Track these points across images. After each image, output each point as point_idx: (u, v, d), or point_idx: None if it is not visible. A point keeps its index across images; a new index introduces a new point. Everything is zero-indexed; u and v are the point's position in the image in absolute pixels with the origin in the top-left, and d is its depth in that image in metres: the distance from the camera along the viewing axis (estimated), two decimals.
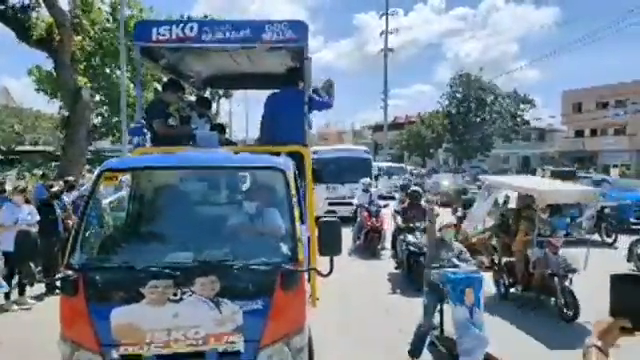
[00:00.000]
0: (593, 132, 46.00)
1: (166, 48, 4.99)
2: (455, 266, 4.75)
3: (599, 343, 1.25)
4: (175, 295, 2.93)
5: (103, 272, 3.09)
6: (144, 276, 2.93)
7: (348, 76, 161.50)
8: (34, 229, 6.88)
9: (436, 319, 4.91)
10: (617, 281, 1.29)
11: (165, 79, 5.85)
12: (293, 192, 3.40)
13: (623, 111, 39.71)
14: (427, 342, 4.83)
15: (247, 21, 4.86)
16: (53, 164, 19.89)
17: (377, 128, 56.77)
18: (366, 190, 11.14)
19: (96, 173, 3.42)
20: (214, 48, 4.98)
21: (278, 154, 4.30)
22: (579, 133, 47.38)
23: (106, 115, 17.31)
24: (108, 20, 15.81)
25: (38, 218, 6.90)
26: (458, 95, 42.98)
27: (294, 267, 3.07)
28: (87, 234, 3.23)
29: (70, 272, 2.99)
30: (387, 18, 35.44)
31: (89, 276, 3.00)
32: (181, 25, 4.71)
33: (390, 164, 30.49)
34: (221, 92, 25.73)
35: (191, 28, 4.69)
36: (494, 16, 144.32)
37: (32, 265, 6.31)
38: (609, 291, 1.30)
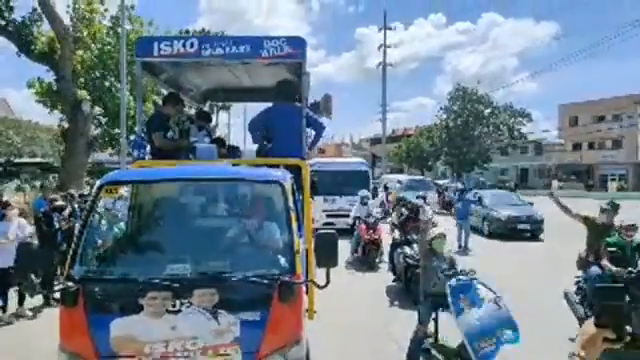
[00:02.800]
0: (590, 145, 46.30)
1: (167, 63, 5.08)
2: (452, 275, 4.73)
3: (582, 353, 1.29)
4: (174, 306, 2.97)
5: (103, 283, 3.13)
6: (143, 288, 2.97)
7: (349, 89, 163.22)
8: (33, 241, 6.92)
9: (431, 327, 4.92)
10: (601, 293, 1.32)
11: (165, 93, 5.93)
12: (291, 205, 3.44)
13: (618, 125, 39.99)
14: (422, 349, 4.84)
15: (246, 37, 4.96)
16: (51, 176, 19.91)
17: (375, 141, 57.07)
18: (364, 202, 11.19)
19: (97, 186, 3.46)
20: (214, 63, 5.07)
21: (277, 167, 4.36)
22: (577, 146, 47.67)
23: (105, 127, 17.39)
24: (108, 34, 15.96)
25: (31, 230, 6.95)
26: (455, 108, 43.25)
27: (292, 279, 3.10)
28: (87, 246, 3.27)
29: (70, 283, 3.03)
30: (385, 33, 35.85)
31: (89, 287, 3.04)
32: (182, 40, 4.81)
33: (412, 177, 26.39)
34: (220, 104, 25.86)
35: (191, 44, 4.79)
36: (494, 31, 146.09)
37: (33, 277, 6.31)
38: (594, 303, 1.33)
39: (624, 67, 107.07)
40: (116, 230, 3.90)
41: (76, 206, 7.93)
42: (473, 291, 4.47)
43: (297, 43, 4.87)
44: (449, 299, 4.44)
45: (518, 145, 45.52)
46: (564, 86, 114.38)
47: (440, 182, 29.74)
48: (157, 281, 2.98)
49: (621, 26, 64.12)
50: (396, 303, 7.61)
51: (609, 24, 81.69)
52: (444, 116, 44.18)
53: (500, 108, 42.65)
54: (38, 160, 31.30)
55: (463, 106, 42.35)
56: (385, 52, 35.81)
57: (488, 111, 42.68)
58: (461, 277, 4.61)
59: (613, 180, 41.20)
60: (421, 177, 28.00)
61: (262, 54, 4.83)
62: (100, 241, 3.52)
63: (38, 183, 19.25)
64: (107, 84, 16.55)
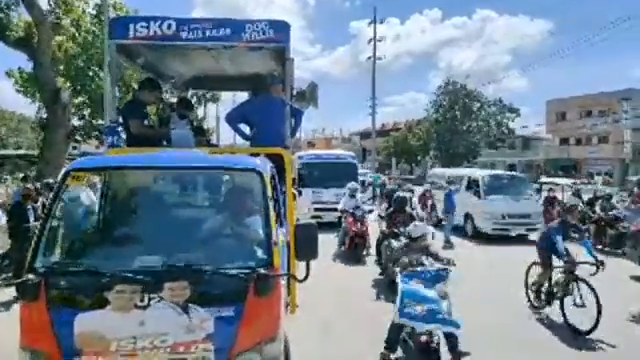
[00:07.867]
0: (578, 141, 46.70)
1: (144, 45, 4.84)
2: (423, 265, 4.95)
3: None
4: (142, 301, 2.78)
5: (66, 276, 2.92)
6: (110, 281, 2.77)
7: (342, 83, 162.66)
8: None
9: None
10: None
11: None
12: (270, 194, 3.27)
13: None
14: (400, 338, 4.85)
15: (227, 19, 4.75)
16: (35, 167, 19.47)
17: (365, 135, 57.02)
18: (352, 195, 11.05)
19: (62, 173, 3.26)
20: (194, 47, 4.86)
21: (257, 155, 4.18)
22: (564, 141, 48.05)
23: (88, 117, 17.01)
24: (93, 23, 15.57)
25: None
26: (445, 103, 43.27)
27: (269, 272, 2.93)
28: (52, 236, 3.07)
29: (31, 276, 2.83)
30: (375, 27, 35.62)
31: (51, 280, 2.84)
32: (159, 22, 4.58)
33: (494, 171, 17.92)
34: (208, 96, 25.53)
35: (169, 25, 4.56)
36: (488, 27, 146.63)
37: None
38: None
39: (612, 63, 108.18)
40: (84, 220, 3.69)
41: None
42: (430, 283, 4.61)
43: (280, 27, 4.69)
44: (399, 283, 4.64)
45: (506, 140, 45.72)
46: (554, 83, 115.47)
47: (572, 182, 18.01)
48: (124, 274, 2.79)
49: (607, 24, 64.40)
50: (382, 297, 7.48)
51: (605, 21, 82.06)
52: (432, 110, 44.23)
53: (490, 102, 42.79)
54: (22, 152, 30.74)
55: (452, 100, 42.38)
56: (375, 46, 35.62)
57: (478, 105, 42.79)
58: (418, 269, 4.78)
59: (599, 174, 41.59)
60: (511, 173, 18.66)
61: (244, 37, 4.65)
62: (66, 231, 3.31)
63: (21, 175, 18.81)
64: (91, 74, 16.16)
